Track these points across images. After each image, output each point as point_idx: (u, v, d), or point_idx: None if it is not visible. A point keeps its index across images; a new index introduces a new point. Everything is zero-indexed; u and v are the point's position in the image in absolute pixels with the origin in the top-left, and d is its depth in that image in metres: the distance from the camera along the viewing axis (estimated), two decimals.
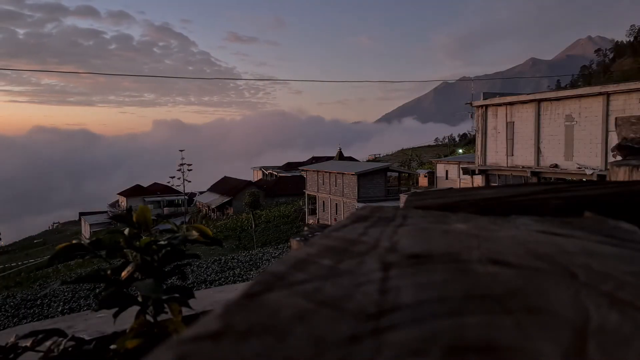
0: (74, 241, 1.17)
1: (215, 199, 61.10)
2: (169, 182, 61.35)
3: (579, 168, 22.71)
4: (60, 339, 1.15)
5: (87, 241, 1.14)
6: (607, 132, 21.58)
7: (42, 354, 1.11)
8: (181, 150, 57.23)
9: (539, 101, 25.14)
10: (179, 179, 55.91)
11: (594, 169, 21.77)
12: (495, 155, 27.72)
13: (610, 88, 21.92)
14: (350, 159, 72.26)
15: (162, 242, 1.15)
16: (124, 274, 1.10)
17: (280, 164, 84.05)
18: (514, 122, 26.42)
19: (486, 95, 28.82)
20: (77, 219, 77.16)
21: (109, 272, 1.13)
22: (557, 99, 24.30)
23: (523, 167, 25.64)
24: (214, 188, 66.69)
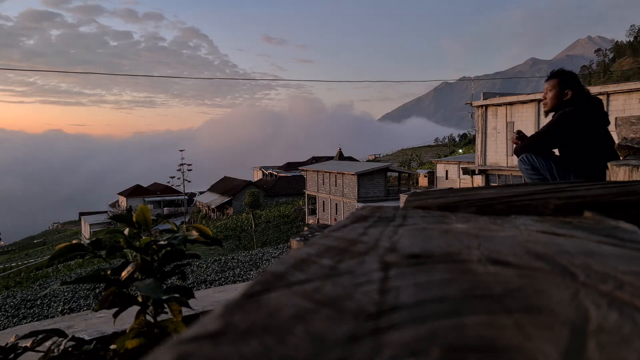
0: (74, 241, 1.17)
1: (215, 199, 61.06)
2: (168, 182, 61.39)
3: None
4: (60, 339, 1.15)
5: (87, 241, 1.14)
6: None
7: (42, 354, 1.11)
8: (181, 150, 57.26)
9: (539, 101, 25.13)
10: (178, 178, 55.95)
11: None
12: (495, 155, 27.71)
13: (610, 88, 21.92)
14: (350, 158, 72.24)
15: (162, 242, 1.15)
16: (124, 274, 1.10)
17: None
18: (514, 122, 26.41)
19: (486, 95, 28.81)
20: (77, 219, 77.12)
21: (109, 272, 1.13)
22: None
23: None
24: (214, 188, 66.65)
